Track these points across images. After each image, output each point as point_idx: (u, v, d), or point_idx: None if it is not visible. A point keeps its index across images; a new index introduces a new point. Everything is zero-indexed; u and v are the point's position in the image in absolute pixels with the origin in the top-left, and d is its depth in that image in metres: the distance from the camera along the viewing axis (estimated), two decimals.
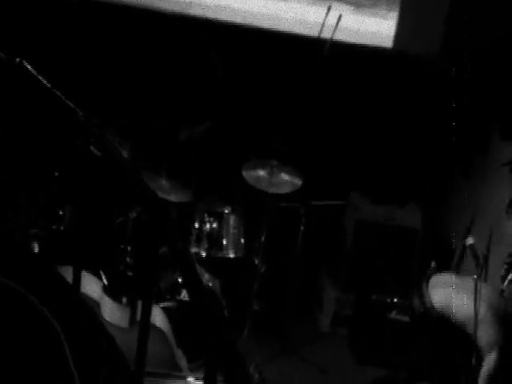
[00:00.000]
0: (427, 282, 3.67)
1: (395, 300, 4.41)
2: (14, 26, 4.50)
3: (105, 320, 3.70)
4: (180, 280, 4.02)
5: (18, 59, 2.92)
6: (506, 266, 3.15)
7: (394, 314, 4.38)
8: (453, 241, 4.84)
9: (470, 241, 3.61)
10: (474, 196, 4.75)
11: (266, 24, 5.09)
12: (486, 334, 3.21)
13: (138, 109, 4.82)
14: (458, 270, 4.50)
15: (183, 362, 3.72)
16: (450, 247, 4.83)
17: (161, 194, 4.27)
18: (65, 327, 1.65)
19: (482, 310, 3.11)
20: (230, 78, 4.89)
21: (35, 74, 2.88)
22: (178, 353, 3.75)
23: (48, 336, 1.61)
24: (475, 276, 3.52)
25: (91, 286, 3.87)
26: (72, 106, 2.71)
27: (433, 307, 3.59)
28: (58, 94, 2.78)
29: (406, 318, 4.30)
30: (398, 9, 5.05)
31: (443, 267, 4.69)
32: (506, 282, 3.15)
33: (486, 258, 3.78)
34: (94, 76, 4.72)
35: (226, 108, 4.96)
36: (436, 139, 4.93)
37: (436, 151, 4.92)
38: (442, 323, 3.71)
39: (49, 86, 2.82)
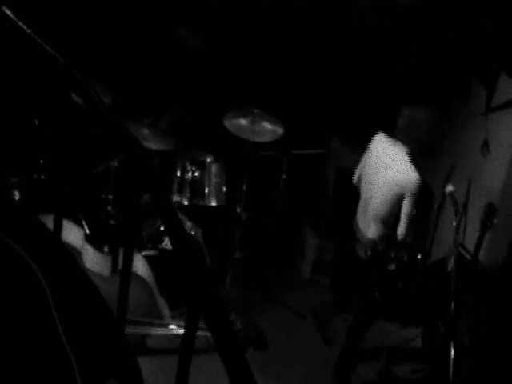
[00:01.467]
0: None
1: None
2: None
3: (86, 268, 3.70)
4: (162, 228, 4.03)
5: None
6: (484, 214, 3.18)
7: (390, 267, 4.40)
8: (433, 189, 4.88)
9: (449, 188, 3.63)
10: (453, 144, 4.77)
11: None
12: None
13: (122, 58, 4.74)
14: (438, 218, 4.55)
15: (165, 310, 3.74)
16: (430, 195, 4.87)
17: (143, 143, 4.24)
18: (47, 275, 1.63)
19: None
20: (208, 38, 4.86)
21: (15, 19, 2.81)
22: (160, 301, 3.77)
23: (31, 284, 1.60)
24: (454, 223, 3.56)
25: (73, 235, 3.85)
26: (52, 51, 2.65)
27: None
28: (38, 39, 2.72)
29: (391, 266, 4.34)
30: None
31: (423, 215, 4.74)
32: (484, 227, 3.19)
33: (465, 205, 3.82)
34: (75, 24, 4.62)
35: (209, 61, 4.93)
36: (418, 87, 4.91)
37: (417, 98, 4.91)
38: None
39: (29, 31, 2.76)
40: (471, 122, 4.64)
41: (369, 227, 3.82)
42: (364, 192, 3.86)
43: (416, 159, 3.62)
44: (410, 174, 3.53)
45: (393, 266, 3.99)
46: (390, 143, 3.72)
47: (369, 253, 3.82)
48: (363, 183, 3.86)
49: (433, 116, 3.65)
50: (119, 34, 4.75)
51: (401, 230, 3.60)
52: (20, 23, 2.98)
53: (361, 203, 3.89)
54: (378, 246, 3.81)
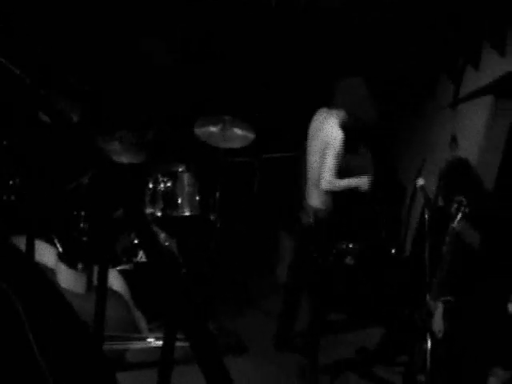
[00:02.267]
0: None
1: (350, 246, 4.46)
2: None
3: (61, 287, 3.67)
4: (136, 241, 4.01)
5: None
6: (456, 205, 3.23)
7: (347, 260, 4.43)
8: (404, 183, 4.94)
9: (420, 182, 3.69)
10: (423, 139, 4.83)
11: None
12: None
13: (89, 71, 4.72)
14: (409, 211, 4.59)
15: (143, 324, 3.73)
16: (401, 189, 4.92)
17: (113, 157, 4.23)
18: (20, 296, 1.63)
19: None
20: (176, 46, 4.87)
21: None
22: (137, 314, 3.75)
23: (4, 306, 1.59)
24: (426, 216, 3.61)
25: (46, 254, 3.82)
26: (18, 72, 2.64)
27: None
28: (3, 61, 2.71)
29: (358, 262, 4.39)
30: None
31: (396, 209, 4.79)
32: (456, 220, 3.24)
33: (436, 198, 3.86)
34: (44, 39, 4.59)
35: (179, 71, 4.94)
36: (388, 85, 4.97)
37: (388, 96, 4.96)
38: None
39: None
40: (439, 116, 4.70)
41: (311, 195, 4.05)
42: (305, 162, 4.15)
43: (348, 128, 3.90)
44: (335, 133, 3.85)
45: (351, 261, 4.05)
46: (324, 113, 4.01)
47: (311, 219, 4.00)
48: (306, 155, 4.16)
49: (366, 92, 3.88)
50: (90, 50, 4.74)
51: (321, 180, 3.89)
52: None
53: (304, 173, 4.17)
54: (319, 213, 4.01)
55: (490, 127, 4.05)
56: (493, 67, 4.08)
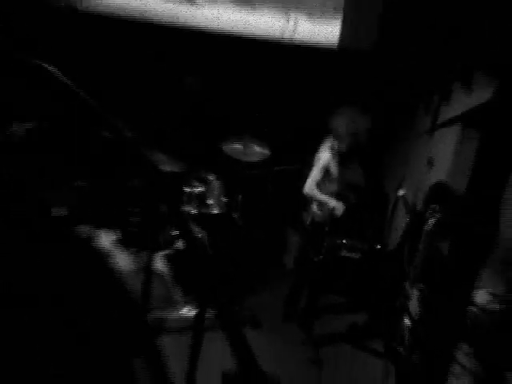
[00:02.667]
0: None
1: (344, 241, 4.41)
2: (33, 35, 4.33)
3: (117, 266, 3.66)
4: (176, 232, 3.99)
5: (36, 61, 2.82)
6: (430, 211, 3.17)
7: (344, 253, 4.38)
8: (389, 193, 4.87)
9: (401, 192, 3.64)
10: (404, 157, 4.77)
11: (237, 29, 5.00)
12: None
13: (141, 102, 4.72)
14: (392, 215, 4.54)
15: (179, 298, 3.71)
16: (386, 198, 4.86)
17: (160, 166, 4.21)
18: (84, 271, 1.60)
19: None
20: (209, 80, 4.84)
21: (53, 72, 2.79)
22: (175, 290, 3.73)
23: (71, 277, 1.57)
24: (406, 219, 3.56)
25: (107, 240, 3.81)
26: (86, 97, 2.63)
27: None
28: (75, 88, 2.70)
29: (353, 255, 4.33)
30: (340, 16, 5.01)
31: (381, 214, 4.73)
32: (430, 223, 3.18)
33: (414, 205, 3.81)
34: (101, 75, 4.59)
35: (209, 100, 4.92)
36: (375, 113, 4.93)
37: (374, 123, 4.93)
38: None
39: (66, 81, 2.73)
40: (416, 143, 4.65)
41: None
42: None
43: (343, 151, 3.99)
44: (324, 154, 4.00)
45: (357, 256, 3.99)
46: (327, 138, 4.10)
47: (309, 221, 4.05)
48: None
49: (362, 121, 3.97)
50: (140, 84, 4.74)
51: (304, 185, 4.02)
52: (61, 77, 2.96)
53: None
54: (316, 216, 4.03)
55: (458, 152, 3.99)
56: (461, 102, 4.03)
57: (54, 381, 1.24)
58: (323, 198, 3.98)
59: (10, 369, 1.19)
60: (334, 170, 4.00)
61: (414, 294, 3.25)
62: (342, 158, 3.99)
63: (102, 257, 2.11)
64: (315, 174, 4.00)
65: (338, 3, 5.00)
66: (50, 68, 2.97)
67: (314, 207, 4.01)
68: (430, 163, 4.04)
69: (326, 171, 4.02)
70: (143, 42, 4.77)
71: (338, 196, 4.01)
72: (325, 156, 3.99)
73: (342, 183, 4.01)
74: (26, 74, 2.87)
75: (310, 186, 4.00)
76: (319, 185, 4.04)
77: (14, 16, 4.27)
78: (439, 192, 3.72)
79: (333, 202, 3.94)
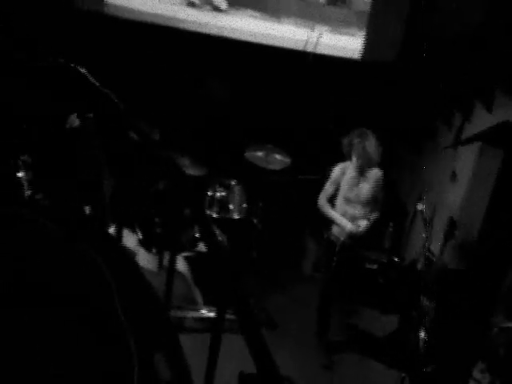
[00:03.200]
0: None
1: (362, 253, 4.40)
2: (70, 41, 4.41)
3: (140, 265, 3.70)
4: (198, 235, 4.02)
5: (73, 64, 2.89)
6: (448, 228, 3.17)
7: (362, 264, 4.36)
8: (407, 207, 4.85)
9: (419, 207, 3.62)
10: (423, 172, 4.75)
11: (263, 41, 5.05)
12: None
13: (166, 106, 4.77)
14: (410, 229, 4.52)
15: (199, 298, 3.74)
16: (404, 212, 4.84)
17: (184, 170, 4.26)
18: (112, 271, 1.63)
19: None
20: (234, 88, 4.87)
21: (86, 75, 2.85)
22: (196, 290, 3.76)
23: (99, 278, 1.60)
24: (423, 234, 3.54)
25: (130, 240, 3.86)
26: (116, 100, 2.68)
27: None
28: (105, 90, 2.75)
29: (370, 266, 4.30)
30: (364, 30, 5.04)
31: (399, 227, 4.71)
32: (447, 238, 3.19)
33: (431, 220, 3.78)
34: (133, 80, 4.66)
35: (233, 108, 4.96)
36: (395, 126, 4.93)
37: (394, 136, 4.92)
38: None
39: (97, 84, 2.79)
40: (437, 156, 4.63)
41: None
42: None
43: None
44: (336, 168, 4.06)
45: (374, 266, 3.95)
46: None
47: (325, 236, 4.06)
48: None
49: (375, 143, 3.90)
50: (165, 90, 4.79)
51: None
52: (91, 79, 3.02)
53: None
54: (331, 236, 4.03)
55: (477, 168, 3.99)
56: (483, 119, 4.01)
57: (55, 381, 1.28)
58: (337, 217, 3.95)
59: (10, 369, 1.22)
60: (344, 184, 3.98)
61: (430, 307, 3.23)
62: (356, 173, 3.96)
63: (127, 256, 2.16)
64: (326, 188, 4.03)
65: (362, 16, 5.02)
66: (83, 70, 3.03)
67: (333, 226, 3.98)
68: (454, 177, 4.02)
69: (337, 186, 4.01)
70: (169, 48, 4.83)
71: (353, 217, 3.97)
72: (336, 170, 4.01)
73: (356, 199, 3.99)
74: (64, 75, 2.93)
75: (321, 200, 4.03)
76: (332, 200, 4.03)
77: (38, 19, 4.35)
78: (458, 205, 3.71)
79: (348, 226, 3.91)
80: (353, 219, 3.95)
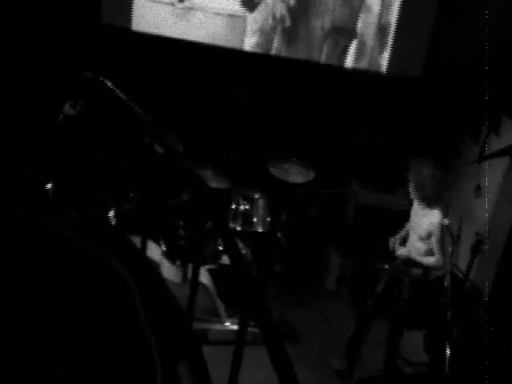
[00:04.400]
0: None
1: (386, 266, 4.36)
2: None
3: (164, 277, 3.72)
4: (221, 248, 4.03)
5: (100, 77, 2.95)
6: (475, 242, 3.12)
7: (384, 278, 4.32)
8: None
9: (446, 222, 3.58)
10: (449, 188, 4.70)
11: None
12: None
13: (190, 119, 4.81)
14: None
15: (222, 310, 3.74)
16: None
17: (207, 182, 4.29)
18: (136, 282, 1.65)
19: None
20: (257, 100, 4.89)
21: (113, 88, 2.91)
22: (219, 303, 3.77)
23: (123, 289, 1.61)
24: (450, 249, 3.50)
25: (154, 251, 3.89)
26: (141, 112, 2.73)
27: None
28: (131, 103, 2.81)
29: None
30: (390, 42, 5.04)
31: None
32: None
33: (459, 236, 3.74)
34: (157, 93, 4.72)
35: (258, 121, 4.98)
36: (419, 142, 4.90)
37: (418, 151, 4.89)
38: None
39: (124, 97, 2.85)
40: (463, 171, 4.59)
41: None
42: None
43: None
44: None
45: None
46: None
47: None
48: None
49: (434, 171, 3.58)
50: (189, 104, 4.84)
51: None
52: (117, 92, 3.08)
53: None
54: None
55: (505, 183, 3.93)
56: (510, 134, 3.97)
57: (55, 381, 1.29)
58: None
59: (10, 369, 1.24)
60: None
61: (456, 323, 3.18)
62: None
63: (151, 267, 2.18)
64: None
65: (387, 31, 5.02)
66: (110, 84, 3.09)
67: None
68: (478, 190, 3.97)
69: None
70: (193, 62, 4.88)
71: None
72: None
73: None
74: (91, 88, 3.00)
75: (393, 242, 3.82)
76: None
77: (66, 33, 4.43)
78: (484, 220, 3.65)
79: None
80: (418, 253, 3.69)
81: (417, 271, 3.56)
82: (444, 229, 3.50)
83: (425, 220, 3.56)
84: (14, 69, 3.84)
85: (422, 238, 3.58)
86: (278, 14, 4.95)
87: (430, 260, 3.51)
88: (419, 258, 3.56)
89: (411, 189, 3.58)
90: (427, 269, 3.53)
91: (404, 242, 3.79)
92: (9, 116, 3.22)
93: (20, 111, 3.38)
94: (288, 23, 4.96)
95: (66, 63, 4.17)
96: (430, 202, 3.55)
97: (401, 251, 3.68)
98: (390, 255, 3.78)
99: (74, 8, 4.45)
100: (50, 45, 4.31)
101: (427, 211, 3.56)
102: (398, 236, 3.82)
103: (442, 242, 3.50)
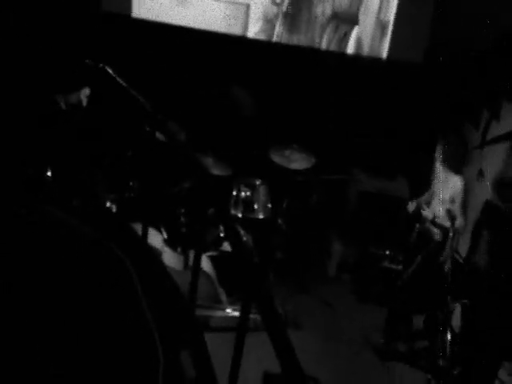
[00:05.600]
0: None
1: (387, 252, 4.37)
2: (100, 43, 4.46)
3: (165, 264, 3.72)
4: (222, 235, 4.03)
5: (101, 64, 2.93)
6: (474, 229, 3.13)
7: (386, 263, 4.34)
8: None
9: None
10: None
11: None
12: None
13: (192, 107, 4.79)
14: None
15: (224, 297, 3.75)
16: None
17: (209, 169, 4.28)
18: (137, 269, 1.64)
19: None
20: (259, 88, 4.86)
21: (115, 75, 2.89)
22: (220, 290, 3.77)
23: (124, 275, 1.61)
24: (451, 234, 3.49)
25: (155, 239, 3.89)
26: (142, 100, 2.70)
27: None
28: (132, 91, 2.78)
29: (395, 267, 4.27)
30: (390, 29, 4.99)
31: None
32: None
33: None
34: (160, 81, 4.68)
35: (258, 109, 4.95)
36: (419, 128, 4.87)
37: (418, 136, 4.86)
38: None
39: (125, 84, 2.82)
40: (466, 156, 4.57)
41: None
42: None
43: None
44: None
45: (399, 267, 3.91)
46: None
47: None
48: None
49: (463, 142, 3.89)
50: (191, 91, 4.82)
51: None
52: (119, 79, 3.05)
53: None
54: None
55: (506, 168, 3.91)
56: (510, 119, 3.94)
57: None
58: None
59: (10, 368, 1.23)
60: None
61: (457, 308, 3.18)
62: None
63: (153, 254, 2.17)
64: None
65: (388, 16, 4.98)
66: (111, 71, 3.06)
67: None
68: (481, 175, 3.97)
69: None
70: (193, 50, 4.85)
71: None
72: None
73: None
74: (93, 74, 2.97)
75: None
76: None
77: (67, 21, 4.40)
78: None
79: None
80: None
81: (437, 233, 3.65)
82: (466, 193, 3.63)
83: (448, 185, 3.72)
84: (15, 59, 3.82)
85: (443, 202, 3.73)
86: (278, 0, 4.91)
87: (454, 223, 3.63)
88: (439, 221, 3.72)
89: (438, 158, 3.76)
90: (446, 232, 3.62)
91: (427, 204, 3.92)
92: (9, 107, 3.21)
93: (21, 101, 3.36)
94: (289, 10, 4.92)
95: (67, 51, 4.14)
96: (456, 169, 3.74)
97: (425, 212, 3.83)
98: (414, 216, 3.91)
99: None
100: (51, 33, 4.28)
101: (451, 177, 3.73)
102: (422, 198, 3.95)
103: (464, 206, 3.69)
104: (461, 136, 3.86)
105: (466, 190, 3.68)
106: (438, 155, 3.77)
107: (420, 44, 4.93)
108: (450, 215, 3.61)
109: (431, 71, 4.80)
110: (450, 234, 3.47)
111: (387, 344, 3.79)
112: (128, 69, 3.35)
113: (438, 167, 3.83)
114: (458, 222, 3.62)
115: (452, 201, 3.65)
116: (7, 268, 1.33)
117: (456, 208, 3.63)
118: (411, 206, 3.93)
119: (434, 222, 3.74)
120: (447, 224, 3.65)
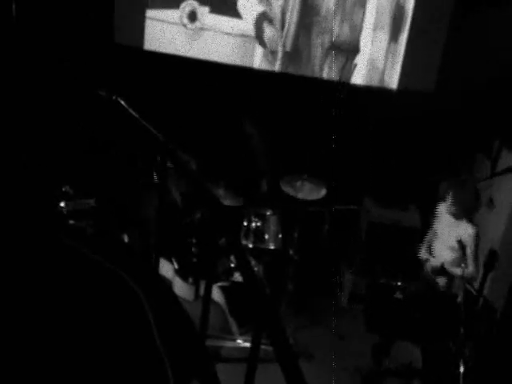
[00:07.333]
0: None
1: (399, 283, 4.33)
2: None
3: (176, 294, 3.73)
4: (233, 265, 4.03)
5: (114, 96, 2.99)
6: (487, 260, 3.11)
7: (397, 294, 4.30)
8: None
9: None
10: None
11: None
12: None
13: (203, 137, 4.84)
14: None
15: (235, 328, 3.73)
16: None
17: (220, 200, 4.30)
18: (149, 299, 1.65)
19: None
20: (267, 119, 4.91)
21: (127, 107, 2.95)
22: (231, 320, 3.76)
23: (136, 306, 1.62)
24: (463, 264, 3.47)
25: (166, 269, 3.91)
26: (154, 131, 2.76)
27: None
28: (144, 122, 2.84)
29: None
30: (401, 59, 5.05)
31: None
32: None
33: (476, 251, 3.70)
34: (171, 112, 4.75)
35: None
36: (431, 158, 4.89)
37: (430, 167, 4.87)
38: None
39: (137, 116, 2.88)
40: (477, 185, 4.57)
41: None
42: None
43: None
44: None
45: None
46: None
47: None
48: None
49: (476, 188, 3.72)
50: (202, 122, 4.88)
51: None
52: (131, 110, 3.11)
53: None
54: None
55: None
56: None
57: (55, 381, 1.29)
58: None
59: (10, 368, 1.24)
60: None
61: (469, 340, 3.15)
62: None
63: (164, 284, 2.19)
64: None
65: (398, 47, 5.05)
66: (124, 103, 3.13)
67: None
68: (491, 204, 3.96)
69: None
70: (204, 80, 4.92)
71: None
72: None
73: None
74: (106, 106, 3.04)
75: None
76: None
77: (80, 52, 4.49)
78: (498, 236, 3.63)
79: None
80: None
81: (442, 280, 3.58)
82: (478, 241, 3.53)
83: (457, 230, 3.61)
84: (30, 87, 3.91)
85: (451, 248, 3.62)
86: (283, 33, 5.01)
87: (464, 271, 3.50)
88: (448, 268, 3.62)
89: (451, 203, 3.63)
90: (452, 279, 3.58)
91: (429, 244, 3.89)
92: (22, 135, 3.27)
93: (35, 133, 3.43)
94: (290, 45, 5.02)
95: (80, 82, 4.24)
96: (468, 216, 3.63)
97: (431, 260, 3.76)
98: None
99: (88, 28, 4.54)
100: (65, 63, 4.38)
101: (460, 222, 3.63)
102: (424, 245, 3.92)
103: (476, 254, 3.56)
104: (473, 184, 3.70)
105: (479, 238, 3.57)
106: (449, 198, 3.65)
107: (431, 74, 4.98)
108: (460, 262, 3.50)
109: (442, 100, 4.83)
110: (457, 282, 3.46)
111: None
112: (140, 100, 3.41)
113: (444, 210, 3.73)
114: (470, 270, 3.51)
115: (462, 247, 3.51)
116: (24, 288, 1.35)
117: (468, 256, 3.51)
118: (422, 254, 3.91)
119: (442, 270, 3.65)
120: (457, 271, 3.56)
